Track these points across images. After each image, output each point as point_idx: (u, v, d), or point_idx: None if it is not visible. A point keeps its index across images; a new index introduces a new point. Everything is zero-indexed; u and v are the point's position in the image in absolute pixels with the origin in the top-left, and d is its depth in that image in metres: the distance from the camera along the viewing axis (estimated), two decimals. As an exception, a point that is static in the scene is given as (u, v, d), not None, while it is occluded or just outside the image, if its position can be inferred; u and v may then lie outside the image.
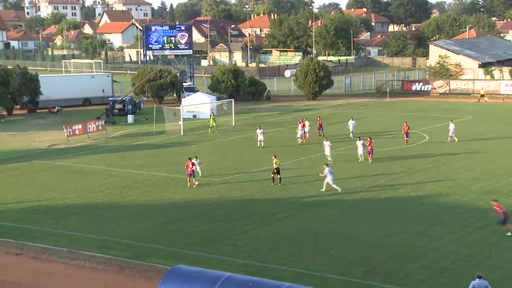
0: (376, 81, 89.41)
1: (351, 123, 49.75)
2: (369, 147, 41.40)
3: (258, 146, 46.38)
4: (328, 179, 33.65)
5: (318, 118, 52.91)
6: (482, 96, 74.58)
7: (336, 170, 38.78)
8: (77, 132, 52.87)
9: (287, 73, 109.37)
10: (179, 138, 52.13)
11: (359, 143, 41.17)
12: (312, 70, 76.40)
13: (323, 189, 33.74)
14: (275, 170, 35.30)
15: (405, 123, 47.23)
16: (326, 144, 41.04)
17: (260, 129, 46.90)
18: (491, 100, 74.11)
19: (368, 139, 42.08)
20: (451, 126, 47.61)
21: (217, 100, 67.07)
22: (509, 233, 26.45)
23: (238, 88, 76.50)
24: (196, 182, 35.54)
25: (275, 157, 35.82)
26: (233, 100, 62.35)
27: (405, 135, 46.51)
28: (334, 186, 33.60)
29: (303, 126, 48.64)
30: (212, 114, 56.64)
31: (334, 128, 54.23)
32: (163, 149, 47.27)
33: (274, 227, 28.33)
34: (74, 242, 26.68)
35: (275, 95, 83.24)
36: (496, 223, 26.84)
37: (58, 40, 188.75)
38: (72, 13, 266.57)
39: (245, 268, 23.24)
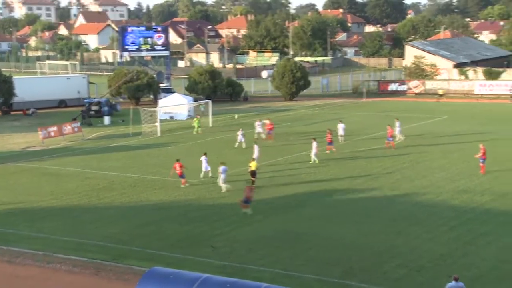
0: (353, 81, 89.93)
1: (340, 126, 48.11)
2: (328, 139, 43.40)
3: (236, 146, 46.44)
4: (220, 178, 33.99)
5: (268, 120, 51.83)
6: (441, 96, 75.51)
7: (312, 171, 38.97)
8: (52, 134, 52.37)
9: (264, 74, 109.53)
10: (156, 139, 51.92)
11: (313, 145, 40.88)
12: (289, 70, 76.59)
13: (223, 190, 33.96)
14: (250, 173, 35.13)
15: (388, 126, 46.32)
16: (256, 147, 39.90)
17: (241, 130, 47.33)
18: (470, 100, 74.98)
19: (328, 130, 44.34)
20: (397, 124, 47.80)
21: (194, 101, 66.96)
22: (248, 211, 29.85)
23: (215, 89, 76.39)
24: (187, 184, 35.53)
25: (254, 160, 35.90)
26: (210, 101, 62.24)
27: (388, 139, 45.53)
28: (223, 185, 34.02)
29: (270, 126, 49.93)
30: (197, 116, 56.81)
31: (310, 129, 54.40)
32: (140, 151, 47.04)
33: (252, 228, 28.32)
34: (49, 245, 26.41)
35: (253, 96, 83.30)
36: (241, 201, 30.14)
37: (33, 41, 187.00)
38: (47, 14, 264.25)
39: (223, 269, 23.20)
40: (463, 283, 19.26)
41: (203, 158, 37.01)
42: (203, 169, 36.83)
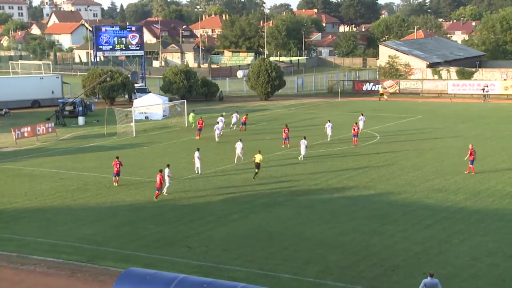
0: (328, 81, 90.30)
1: (328, 126, 48.19)
2: (285, 135, 45.04)
3: (217, 140, 48.07)
4: (166, 180, 33.96)
5: (246, 115, 55.62)
6: (382, 95, 76.74)
7: (288, 170, 39.06)
8: (26, 134, 51.79)
9: (240, 73, 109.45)
10: (131, 139, 51.63)
11: (302, 142, 41.57)
12: (264, 70, 76.68)
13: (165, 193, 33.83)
14: (255, 165, 36.25)
15: (354, 124, 47.68)
16: (238, 145, 40.85)
17: (218, 123, 49.99)
18: (433, 99, 75.76)
19: (285, 126, 46.26)
20: (361, 119, 50.73)
21: (169, 101, 66.71)
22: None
23: (190, 89, 76.18)
24: (117, 182, 35.57)
25: (259, 152, 36.97)
26: (185, 101, 62.08)
27: (354, 136, 46.68)
28: (165, 189, 33.82)
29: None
30: (193, 111, 58.81)
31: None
32: (115, 151, 46.54)
33: (228, 228, 28.32)
34: (24, 247, 26.14)
35: (228, 96, 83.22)
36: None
37: (5, 41, 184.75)
38: (19, 13, 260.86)
39: (199, 269, 23.18)
40: (438, 280, 19.50)
41: (196, 154, 37.56)
42: (197, 165, 37.66)
